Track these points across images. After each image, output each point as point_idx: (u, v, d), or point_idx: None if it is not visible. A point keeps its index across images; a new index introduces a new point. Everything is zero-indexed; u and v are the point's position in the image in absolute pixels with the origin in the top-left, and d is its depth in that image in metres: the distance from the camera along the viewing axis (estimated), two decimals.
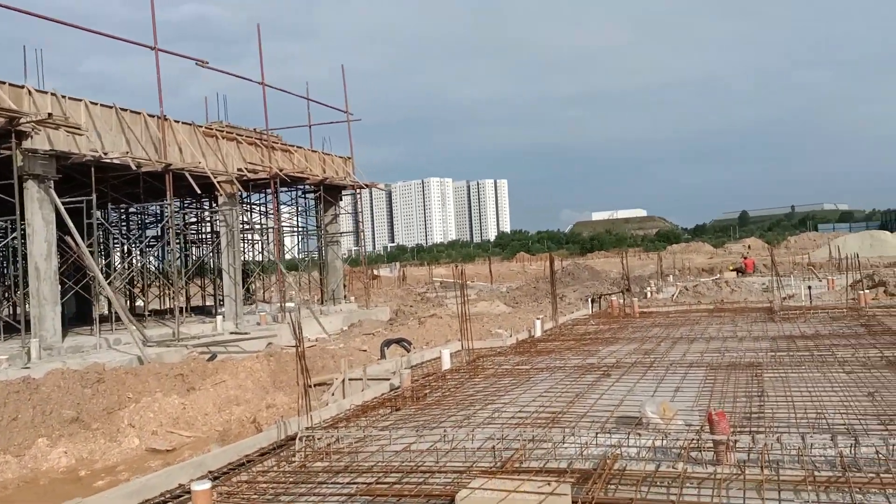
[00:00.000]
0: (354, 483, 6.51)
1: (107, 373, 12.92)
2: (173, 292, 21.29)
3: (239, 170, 22.31)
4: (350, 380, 12.51)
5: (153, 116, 19.46)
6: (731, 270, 44.92)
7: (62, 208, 16.13)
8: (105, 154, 17.18)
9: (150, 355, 15.03)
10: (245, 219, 26.74)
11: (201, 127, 21.69)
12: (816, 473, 5.80)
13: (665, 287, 34.60)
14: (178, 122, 20.65)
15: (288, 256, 31.24)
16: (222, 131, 22.48)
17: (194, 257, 28.74)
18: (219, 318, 21.37)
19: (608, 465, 6.27)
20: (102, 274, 17.31)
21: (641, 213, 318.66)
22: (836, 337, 13.59)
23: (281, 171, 23.33)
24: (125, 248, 26.77)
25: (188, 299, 29.76)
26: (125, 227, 28.20)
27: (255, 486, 6.79)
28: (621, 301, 22.78)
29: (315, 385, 14.16)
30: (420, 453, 7.17)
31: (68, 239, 16.33)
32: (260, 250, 27.40)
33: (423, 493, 5.95)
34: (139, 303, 27.69)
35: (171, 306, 23.34)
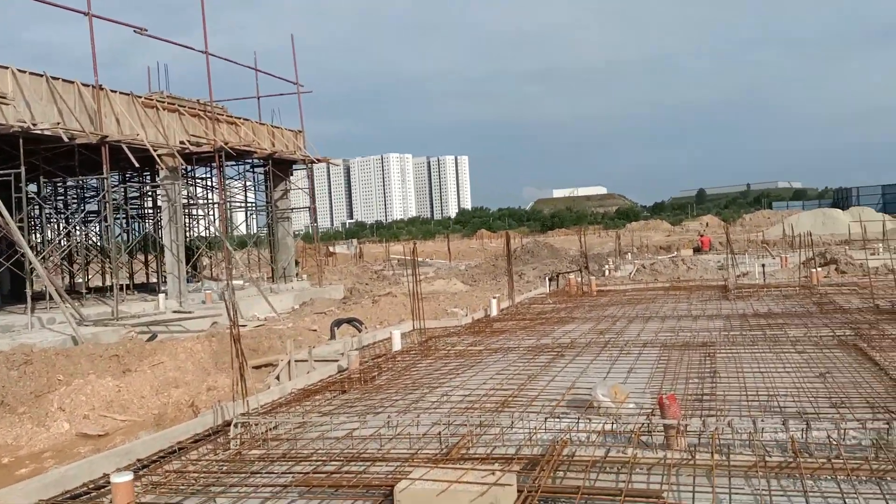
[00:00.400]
0: (291, 472, 6.15)
1: (35, 354, 12.25)
2: (111, 269, 20.44)
3: (181, 142, 21.44)
4: (296, 361, 12.08)
5: (88, 86, 18.47)
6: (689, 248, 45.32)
7: None
8: (34, 125, 16.23)
9: (85, 335, 14.36)
10: (190, 193, 25.84)
11: (140, 97, 20.72)
12: (768, 458, 5.61)
13: (623, 265, 34.69)
14: (115, 91, 19.67)
15: (240, 232, 30.46)
16: (163, 102, 21.52)
17: (138, 233, 27.72)
18: (161, 296, 20.63)
19: (557, 451, 6.02)
20: (35, 250, 16.49)
21: (602, 190, 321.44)
22: (788, 316, 13.59)
23: (226, 143, 22.50)
24: (59, 223, 25.56)
25: (132, 276, 28.83)
26: (63, 202, 27.00)
27: (186, 476, 6.38)
28: (579, 279, 22.68)
29: (261, 366, 13.70)
30: (363, 440, 6.84)
31: None
32: (206, 226, 26.52)
33: (362, 483, 5.61)
34: (81, 280, 26.65)
35: (122, 283, 22.51)
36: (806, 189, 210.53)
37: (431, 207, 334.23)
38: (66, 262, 24.16)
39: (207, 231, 27.23)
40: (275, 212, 27.97)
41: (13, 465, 9.05)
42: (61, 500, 6.05)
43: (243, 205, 28.24)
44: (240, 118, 25.32)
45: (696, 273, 27.89)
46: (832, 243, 39.72)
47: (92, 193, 28.96)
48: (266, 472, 6.18)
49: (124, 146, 18.41)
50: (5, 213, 15.28)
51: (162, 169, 21.22)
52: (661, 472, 5.50)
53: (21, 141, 16.10)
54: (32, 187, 20.07)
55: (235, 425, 7.46)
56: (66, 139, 16.76)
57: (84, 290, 20.51)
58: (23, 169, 16.21)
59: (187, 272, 26.48)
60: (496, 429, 6.73)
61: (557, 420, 6.67)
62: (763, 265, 24.18)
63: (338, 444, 6.84)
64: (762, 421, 6.11)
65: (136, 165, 18.66)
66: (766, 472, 5.39)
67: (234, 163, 27.03)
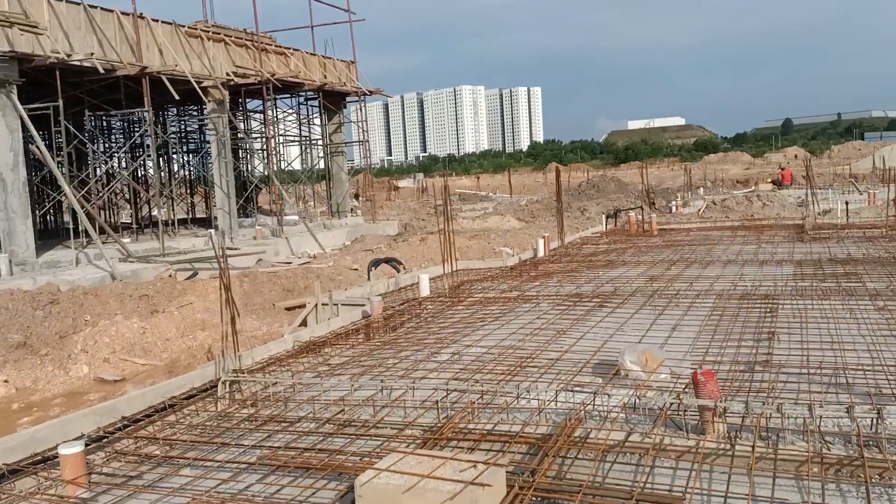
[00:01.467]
0: (266, 444, 5.49)
1: (63, 293, 12.01)
2: (155, 203, 20.27)
3: (227, 74, 20.75)
4: (323, 305, 11.46)
5: (128, 15, 17.82)
6: (769, 182, 42.60)
7: (25, 115, 14.93)
8: (69, 56, 15.75)
9: (123, 272, 14.11)
10: (245, 126, 25.34)
11: (184, 27, 19.99)
12: (825, 452, 4.56)
13: (693, 200, 32.80)
14: (156, 21, 18.98)
15: (293, 167, 29.99)
16: (207, 32, 20.74)
17: (198, 168, 27.53)
18: (211, 231, 20.39)
19: (567, 432, 5.13)
20: (83, 185, 16.26)
21: (680, 121, 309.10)
22: (870, 263, 12.08)
23: (272, 75, 21.69)
24: (109, 158, 25.36)
25: (192, 210, 28.93)
26: (121, 134, 26.90)
27: (158, 442, 5.82)
28: (640, 217, 21.32)
29: (293, 308, 13.20)
30: (357, 405, 6.10)
31: (34, 148, 15.22)
32: (261, 160, 26.06)
33: (331, 466, 4.87)
34: (143, 214, 26.74)
35: (174, 218, 22.43)
36: None
37: (503, 140, 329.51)
38: (119, 197, 24.13)
39: (261, 166, 26.80)
40: (329, 146, 27.30)
41: (21, 412, 8.81)
42: (26, 465, 5.57)
43: (297, 139, 27.61)
44: (289, 48, 24.41)
45: (773, 210, 25.98)
46: None
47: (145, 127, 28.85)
48: (234, 446, 5.53)
49: (164, 78, 17.84)
50: (41, 145, 15.00)
51: (210, 101, 20.70)
52: (691, 465, 4.56)
53: (58, 73, 15.71)
54: (88, 120, 19.71)
55: (223, 383, 6.86)
56: (101, 70, 16.26)
57: (135, 225, 20.40)
58: (61, 102, 15.84)
59: (247, 207, 26.34)
60: (504, 398, 5.87)
61: (571, 393, 5.75)
62: (847, 202, 22.11)
63: (330, 408, 6.15)
64: (821, 406, 5.03)
65: (177, 98, 18.10)
66: (821, 470, 4.36)
67: (285, 95, 26.33)
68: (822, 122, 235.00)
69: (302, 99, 27.05)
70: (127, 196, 24.58)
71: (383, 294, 12.26)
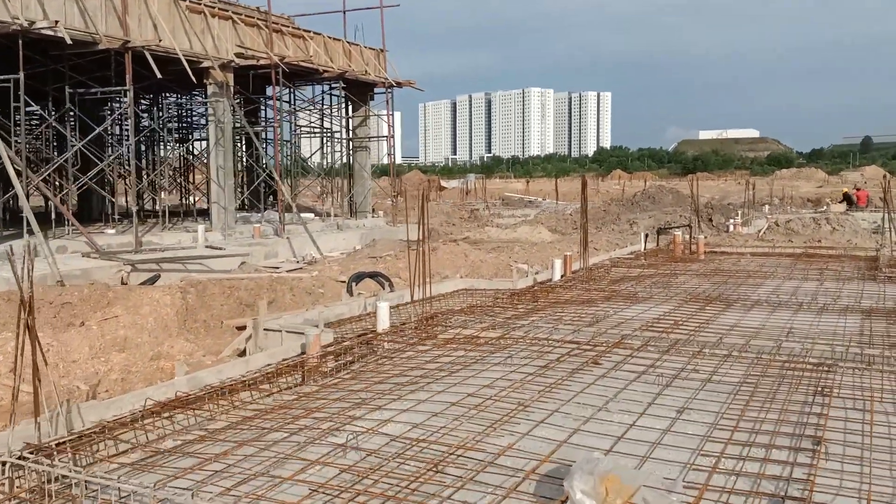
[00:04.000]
0: None
1: None
2: (141, 192, 18.69)
3: (231, 55, 18.98)
4: (266, 330, 9.40)
5: None
6: (839, 203, 38.81)
7: None
8: (32, 24, 14.18)
9: (72, 271, 12.38)
10: (237, 113, 23.66)
11: (185, 1, 18.32)
12: None
13: (754, 219, 29.68)
14: None
15: (313, 161, 28.21)
16: (213, 7, 19.02)
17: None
18: (201, 227, 18.63)
19: None
20: (46, 168, 14.70)
21: (754, 133, 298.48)
22: None
23: (282, 58, 19.83)
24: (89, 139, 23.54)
25: (208, 200, 27.47)
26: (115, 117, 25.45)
27: None
28: (687, 236, 18.71)
29: (243, 328, 11.18)
30: None
31: None
32: (263, 151, 24.31)
33: None
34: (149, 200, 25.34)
35: (165, 209, 20.85)
36: None
37: (569, 144, 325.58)
38: (114, 179, 22.61)
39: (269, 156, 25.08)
40: (352, 139, 25.41)
41: None
42: None
43: (315, 130, 25.75)
44: (308, 31, 22.55)
45: (843, 236, 22.87)
46: None
47: (184, 111, 27.59)
48: None
49: (147, 54, 16.16)
50: None
51: (210, 84, 19.03)
52: None
53: (20, 42, 14.18)
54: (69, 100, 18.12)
55: (4, 466, 4.84)
56: (69, 41, 14.63)
57: (116, 216, 18.86)
58: (21, 75, 14.33)
59: (259, 201, 24.68)
60: None
61: None
62: None
63: None
64: None
65: (159, 76, 16.41)
66: None
67: (306, 83, 24.53)
68: None
69: (327, 87, 25.21)
70: (127, 183, 23.25)
71: (347, 319, 10.20)
